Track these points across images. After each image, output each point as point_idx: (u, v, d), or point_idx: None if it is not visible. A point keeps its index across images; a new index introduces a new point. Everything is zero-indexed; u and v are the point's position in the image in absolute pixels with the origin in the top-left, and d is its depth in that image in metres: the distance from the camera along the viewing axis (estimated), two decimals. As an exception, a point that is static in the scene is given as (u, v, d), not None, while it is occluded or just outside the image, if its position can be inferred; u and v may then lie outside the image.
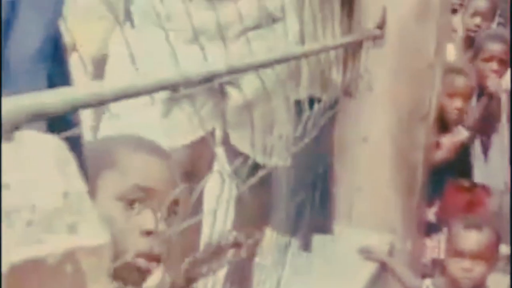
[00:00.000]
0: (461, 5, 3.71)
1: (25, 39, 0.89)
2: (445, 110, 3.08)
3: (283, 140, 1.65)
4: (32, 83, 0.89)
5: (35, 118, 0.76)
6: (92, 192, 1.08)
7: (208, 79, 1.14)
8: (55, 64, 0.91)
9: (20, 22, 0.89)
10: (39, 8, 0.90)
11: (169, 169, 1.23)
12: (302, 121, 1.70)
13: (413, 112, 2.72)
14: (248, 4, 1.84)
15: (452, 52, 3.53)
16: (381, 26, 2.54)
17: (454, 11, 3.63)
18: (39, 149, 0.74)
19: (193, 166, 1.94)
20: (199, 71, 1.10)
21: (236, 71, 1.24)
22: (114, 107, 0.93)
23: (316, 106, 1.81)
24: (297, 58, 1.63)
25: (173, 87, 1.03)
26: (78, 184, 0.75)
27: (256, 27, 1.85)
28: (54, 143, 0.76)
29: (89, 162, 1.00)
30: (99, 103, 0.86)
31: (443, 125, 3.11)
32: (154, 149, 1.25)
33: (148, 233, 1.14)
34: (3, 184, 0.66)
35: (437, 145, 3.11)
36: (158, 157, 1.23)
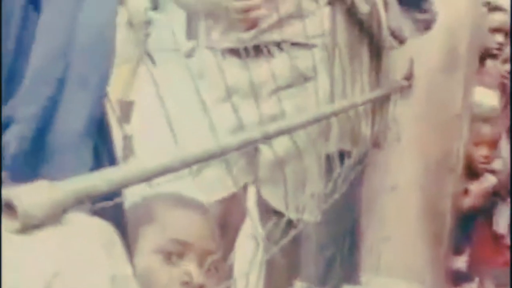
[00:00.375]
0: (499, 49, 3.65)
1: (71, 117, 0.92)
2: (472, 158, 3.07)
3: (315, 198, 1.67)
4: (78, 161, 0.91)
5: (82, 201, 0.78)
6: (133, 246, 1.12)
7: (243, 146, 1.17)
8: (100, 142, 0.94)
9: (66, 100, 0.91)
10: (85, 87, 0.92)
11: (207, 224, 1.27)
12: (332, 178, 1.71)
13: (441, 161, 2.72)
14: (281, 64, 1.86)
15: (494, 98, 3.45)
16: (408, 77, 2.55)
17: (494, 56, 3.57)
18: (86, 232, 0.76)
19: (225, 221, 1.96)
20: (236, 141, 1.12)
21: (270, 137, 1.26)
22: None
23: (346, 161, 1.82)
24: (327, 117, 1.65)
25: (211, 158, 1.05)
26: (124, 266, 0.77)
27: (288, 86, 1.87)
28: (100, 225, 0.78)
29: (131, 219, 1.04)
30: (143, 181, 0.88)
31: (471, 172, 3.09)
32: (192, 205, 1.29)
33: (186, 283, 1.18)
34: (54, 273, 0.68)
35: (465, 192, 3.09)
36: (196, 213, 1.27)
